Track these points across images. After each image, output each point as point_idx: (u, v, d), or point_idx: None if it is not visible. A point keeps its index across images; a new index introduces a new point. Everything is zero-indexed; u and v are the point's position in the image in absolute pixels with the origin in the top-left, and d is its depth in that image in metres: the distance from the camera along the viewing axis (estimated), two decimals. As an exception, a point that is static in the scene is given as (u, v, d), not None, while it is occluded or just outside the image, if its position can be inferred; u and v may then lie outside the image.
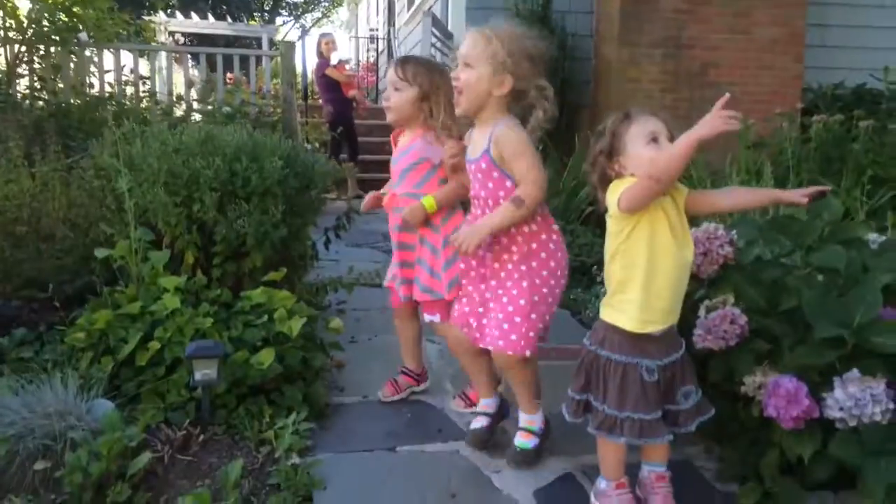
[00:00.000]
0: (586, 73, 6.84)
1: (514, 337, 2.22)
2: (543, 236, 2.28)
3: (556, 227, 2.34)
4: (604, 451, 2.07)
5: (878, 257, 2.27)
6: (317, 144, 7.31)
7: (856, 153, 4.38)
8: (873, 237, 2.43)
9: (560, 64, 6.45)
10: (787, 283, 2.26)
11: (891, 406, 1.91)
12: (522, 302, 2.23)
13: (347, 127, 8.33)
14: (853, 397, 1.91)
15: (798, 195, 1.99)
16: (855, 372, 1.96)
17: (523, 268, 2.25)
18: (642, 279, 1.96)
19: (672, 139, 1.96)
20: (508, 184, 2.23)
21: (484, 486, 2.25)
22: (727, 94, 1.84)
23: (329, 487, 2.19)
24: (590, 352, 2.05)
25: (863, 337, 1.99)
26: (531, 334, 2.23)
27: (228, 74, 8.38)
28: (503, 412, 2.52)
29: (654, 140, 1.95)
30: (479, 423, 2.46)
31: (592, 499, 2.12)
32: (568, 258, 2.35)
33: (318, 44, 8.65)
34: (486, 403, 2.51)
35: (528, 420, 2.38)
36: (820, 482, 2.09)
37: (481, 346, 2.31)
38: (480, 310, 2.34)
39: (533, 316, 2.23)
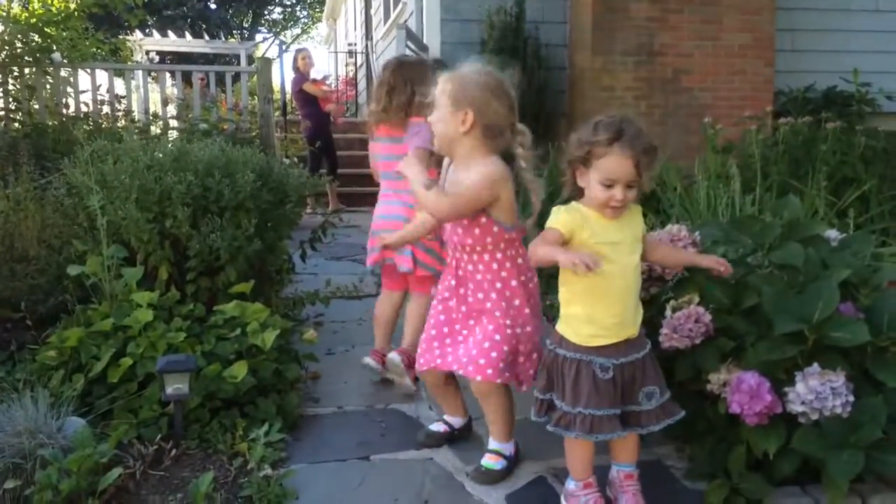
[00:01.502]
0: (561, 82, 6.91)
1: (482, 361, 2.24)
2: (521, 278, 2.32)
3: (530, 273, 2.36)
4: (570, 452, 2.09)
5: (837, 254, 2.31)
6: (295, 159, 7.31)
7: (823, 154, 4.44)
8: (833, 234, 2.47)
9: (535, 73, 6.51)
10: (750, 281, 2.29)
11: (851, 399, 1.95)
12: (498, 337, 2.26)
13: (326, 141, 8.35)
14: (814, 391, 1.95)
15: (714, 261, 2.14)
16: (815, 366, 1.99)
17: (504, 304, 2.29)
18: (584, 298, 2.01)
19: (638, 174, 1.95)
20: (496, 228, 2.25)
21: (457, 491, 2.26)
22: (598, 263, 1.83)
23: (301, 497, 2.19)
24: (550, 351, 2.08)
25: (822, 332, 2.03)
26: (501, 364, 2.24)
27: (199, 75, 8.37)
28: (464, 432, 2.60)
29: (609, 186, 1.94)
30: (439, 426, 2.55)
31: (562, 500, 2.13)
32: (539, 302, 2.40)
33: (295, 59, 8.69)
34: (453, 420, 2.58)
35: (499, 447, 2.36)
36: (786, 477, 2.13)
37: (446, 369, 2.36)
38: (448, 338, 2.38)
39: (505, 348, 2.25)
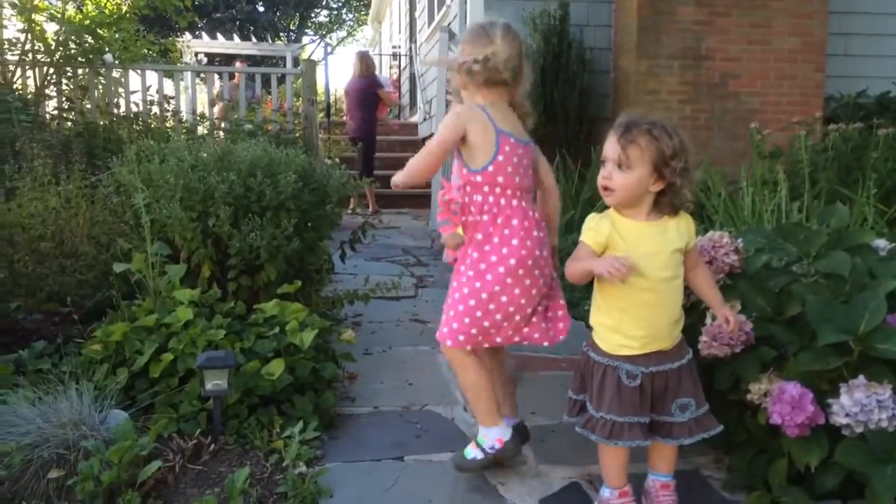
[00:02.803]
0: (605, 85, 6.86)
1: (444, 329, 2.27)
2: (495, 238, 2.20)
3: (514, 230, 2.20)
4: (605, 459, 2.06)
5: (885, 263, 2.24)
6: (337, 160, 7.37)
7: (874, 161, 4.32)
8: (881, 244, 2.40)
9: (579, 77, 6.48)
10: (794, 290, 2.24)
11: (897, 412, 1.89)
12: (457, 296, 2.26)
13: (371, 143, 8.42)
14: (859, 403, 1.90)
15: (724, 316, 2.06)
16: (861, 378, 1.94)
17: (468, 260, 2.26)
18: (613, 308, 1.99)
19: (634, 163, 1.89)
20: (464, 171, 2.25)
21: (490, 495, 2.25)
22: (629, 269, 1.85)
23: (335, 496, 2.21)
24: (583, 353, 2.08)
25: (868, 343, 1.97)
26: (454, 325, 2.23)
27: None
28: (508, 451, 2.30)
29: (603, 163, 1.97)
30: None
31: (597, 507, 2.11)
32: (527, 262, 2.19)
33: (367, 60, 8.65)
34: (484, 432, 2.32)
35: (482, 433, 2.30)
36: (829, 491, 2.07)
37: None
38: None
39: (460, 308, 2.22)
